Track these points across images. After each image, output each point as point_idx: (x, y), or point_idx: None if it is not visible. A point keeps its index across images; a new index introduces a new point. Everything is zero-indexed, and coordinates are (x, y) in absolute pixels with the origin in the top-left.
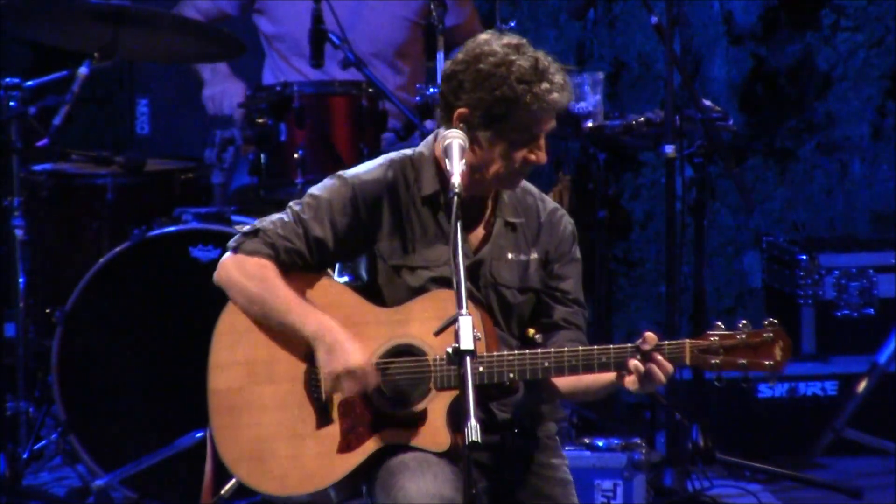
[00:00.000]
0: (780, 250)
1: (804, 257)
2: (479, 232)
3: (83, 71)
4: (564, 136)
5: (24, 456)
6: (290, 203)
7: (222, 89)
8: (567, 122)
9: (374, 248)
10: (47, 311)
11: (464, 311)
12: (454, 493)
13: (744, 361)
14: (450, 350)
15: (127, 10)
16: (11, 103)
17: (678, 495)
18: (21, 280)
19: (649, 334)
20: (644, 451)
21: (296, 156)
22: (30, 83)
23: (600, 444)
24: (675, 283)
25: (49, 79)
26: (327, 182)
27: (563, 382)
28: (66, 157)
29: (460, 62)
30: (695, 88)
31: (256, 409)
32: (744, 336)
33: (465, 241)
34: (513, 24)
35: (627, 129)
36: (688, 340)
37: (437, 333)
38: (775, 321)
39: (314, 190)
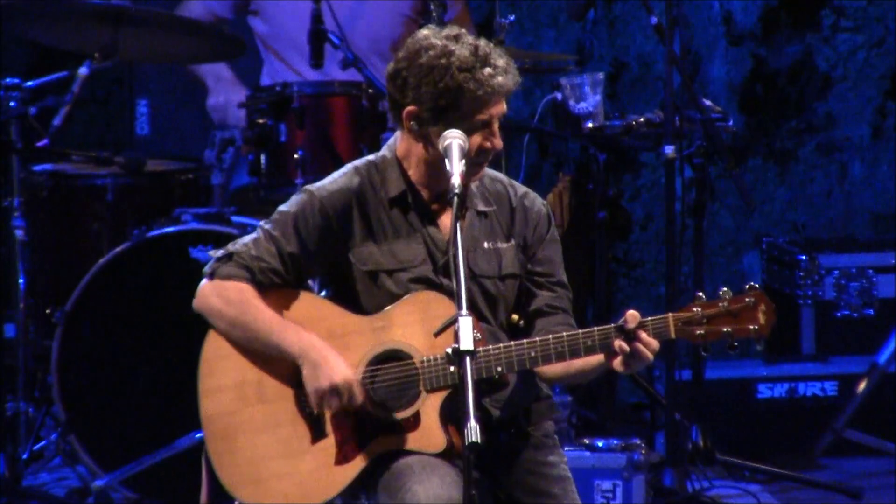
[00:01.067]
0: (779, 251)
1: (804, 258)
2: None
3: (83, 71)
4: (564, 136)
5: (24, 456)
6: (261, 223)
7: (226, 99)
8: (567, 122)
9: (348, 256)
10: (47, 311)
11: (464, 311)
12: (461, 495)
13: (728, 329)
14: (449, 351)
15: (127, 11)
16: (11, 103)
17: (678, 496)
18: (21, 280)
19: (631, 312)
20: (644, 451)
21: (296, 156)
22: (30, 83)
23: (600, 444)
24: (674, 284)
25: (49, 79)
26: (295, 198)
27: (554, 369)
28: (67, 157)
29: (402, 60)
30: (694, 89)
31: (250, 431)
32: (725, 303)
33: (438, 237)
34: (512, 18)
35: (627, 130)
36: (671, 314)
37: (438, 334)
38: (755, 285)
39: (283, 207)
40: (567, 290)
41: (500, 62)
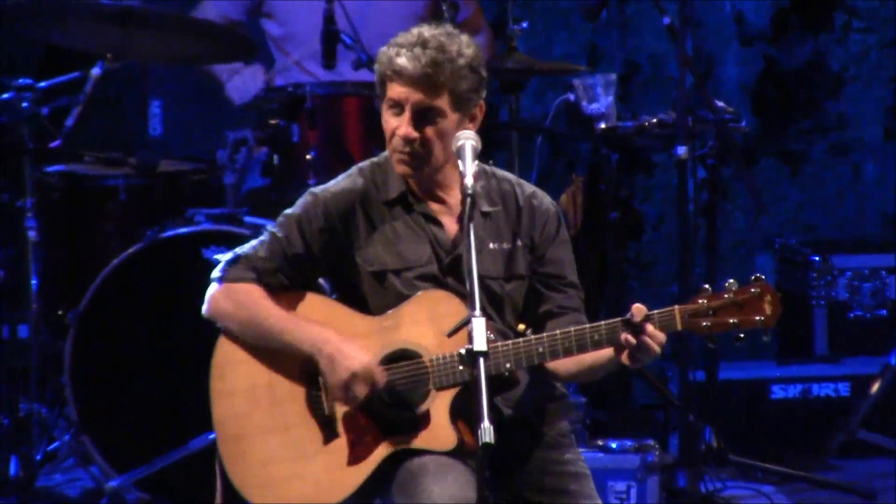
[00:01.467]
0: (792, 252)
1: (817, 259)
2: (455, 226)
3: (95, 72)
4: (577, 137)
5: (38, 457)
6: (267, 226)
7: (244, 81)
8: (580, 123)
9: (354, 257)
10: (59, 312)
11: (477, 312)
12: (475, 494)
13: (734, 320)
14: (463, 351)
15: (138, 12)
16: (24, 104)
17: (691, 497)
18: (34, 282)
19: (637, 306)
20: (657, 452)
21: (308, 157)
22: (42, 84)
23: (613, 445)
24: (687, 285)
25: (61, 80)
26: (300, 200)
27: (566, 365)
28: (79, 158)
29: None
30: (707, 89)
31: (261, 433)
32: (731, 295)
33: (442, 237)
34: (524, 25)
35: (640, 131)
36: (677, 306)
37: (451, 334)
38: (761, 276)
39: (288, 210)
40: (578, 290)
41: (418, 51)
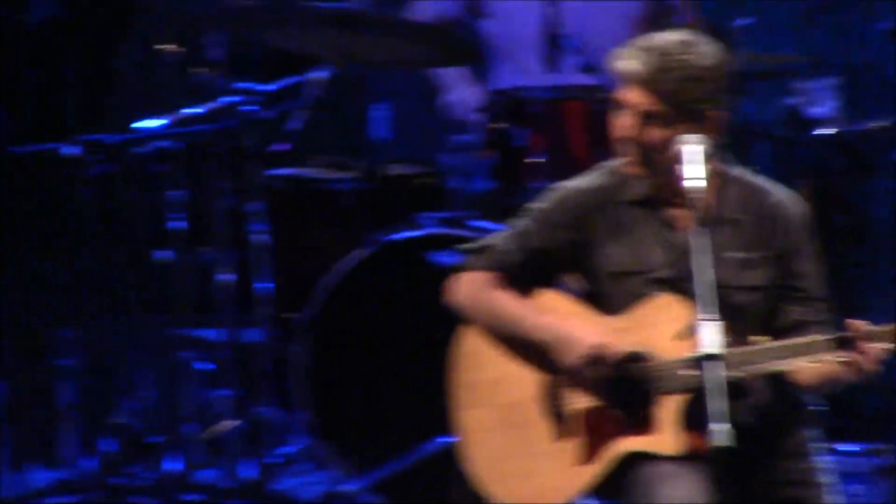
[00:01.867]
0: None
1: None
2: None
3: (321, 75)
4: (801, 141)
5: (271, 461)
6: (517, 218)
7: (459, 98)
8: (803, 127)
9: (592, 255)
10: (287, 316)
11: (708, 315)
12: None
13: None
14: (694, 354)
15: (361, 15)
16: (248, 108)
17: None
18: (263, 286)
19: (854, 321)
20: (890, 456)
21: (532, 160)
22: (267, 87)
23: (845, 448)
24: None
25: (287, 83)
26: (547, 194)
27: (804, 377)
28: (305, 161)
29: None
30: None
31: (498, 427)
32: None
33: (679, 241)
34: (747, 22)
35: (864, 135)
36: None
37: (684, 338)
38: None
39: (536, 203)
40: (824, 302)
41: (646, 54)
